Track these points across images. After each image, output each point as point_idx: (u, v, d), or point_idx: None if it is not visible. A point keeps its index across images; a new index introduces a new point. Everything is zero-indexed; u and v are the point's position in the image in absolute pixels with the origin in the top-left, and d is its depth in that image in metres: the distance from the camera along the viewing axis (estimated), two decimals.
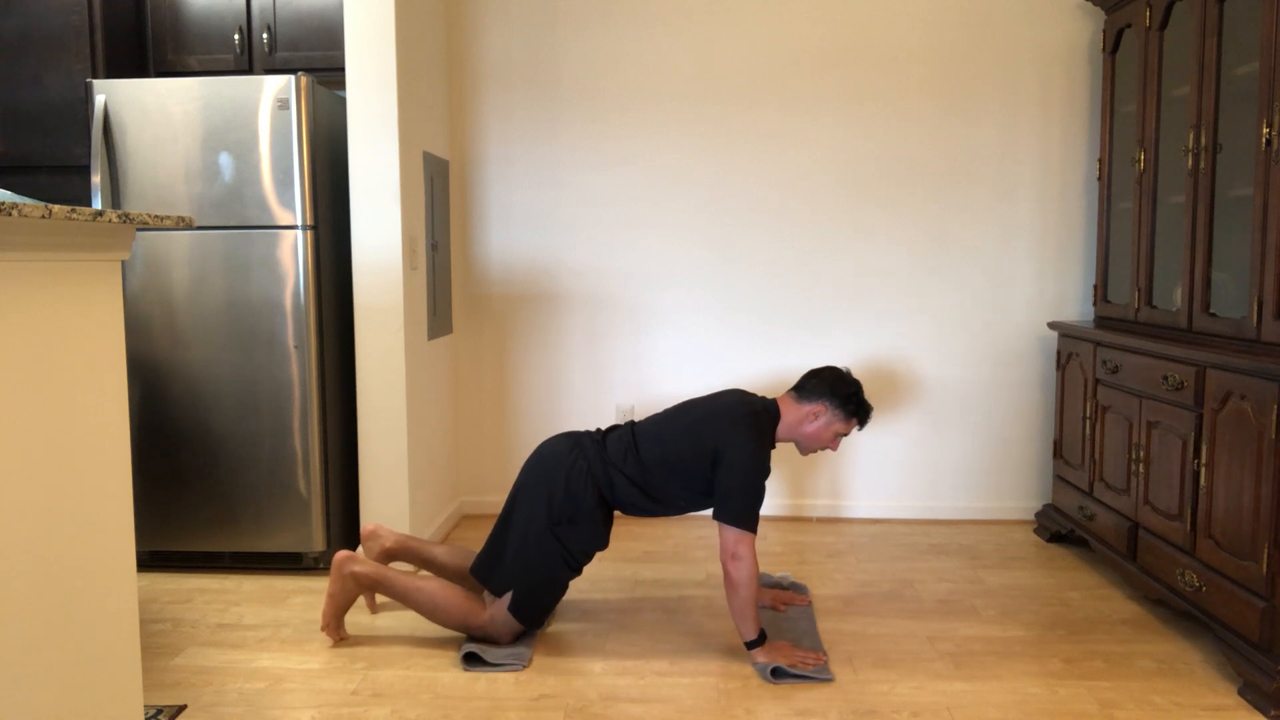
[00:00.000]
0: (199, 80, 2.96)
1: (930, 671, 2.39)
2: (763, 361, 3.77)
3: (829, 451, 3.75)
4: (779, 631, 2.60)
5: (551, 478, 2.47)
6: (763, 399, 2.58)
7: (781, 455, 3.77)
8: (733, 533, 2.36)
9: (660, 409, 3.30)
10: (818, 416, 2.56)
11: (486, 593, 2.52)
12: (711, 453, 2.42)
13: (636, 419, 2.61)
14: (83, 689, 1.58)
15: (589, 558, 2.53)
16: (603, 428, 2.82)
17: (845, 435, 2.62)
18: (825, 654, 2.45)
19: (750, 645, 2.39)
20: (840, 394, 2.55)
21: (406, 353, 3.12)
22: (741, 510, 2.37)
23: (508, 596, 2.46)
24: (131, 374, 3.04)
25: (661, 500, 2.51)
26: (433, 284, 3.46)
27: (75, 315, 1.57)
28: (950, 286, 3.70)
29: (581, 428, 3.80)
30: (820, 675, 2.34)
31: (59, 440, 1.52)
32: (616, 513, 2.95)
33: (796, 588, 2.94)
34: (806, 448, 2.61)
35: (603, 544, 2.54)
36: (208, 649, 2.53)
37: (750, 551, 2.36)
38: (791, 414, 2.57)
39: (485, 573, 2.52)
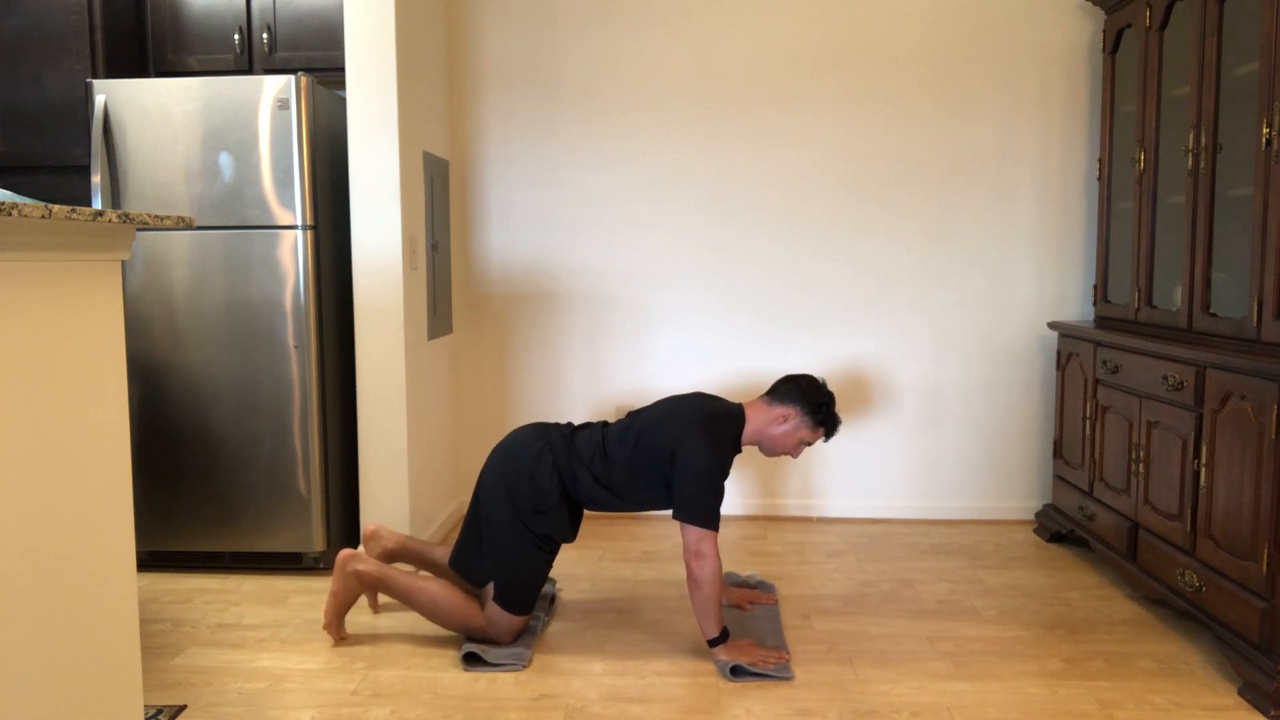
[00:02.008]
0: (199, 80, 2.96)
1: (930, 671, 2.39)
2: (763, 361, 3.77)
3: (827, 453, 3.76)
4: (743, 630, 2.60)
5: (517, 467, 2.49)
6: (726, 403, 2.59)
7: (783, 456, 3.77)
8: (694, 531, 2.37)
9: None
10: (786, 420, 2.57)
11: (483, 594, 2.53)
12: (670, 453, 2.43)
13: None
14: (83, 689, 1.58)
15: (556, 543, 2.54)
16: (574, 423, 2.82)
17: (810, 444, 2.63)
18: (788, 653, 2.46)
19: (712, 643, 2.40)
20: (812, 401, 2.57)
21: (406, 353, 3.12)
22: (702, 509, 2.38)
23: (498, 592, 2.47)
24: (131, 374, 3.04)
25: (624, 499, 2.53)
26: (433, 284, 3.46)
27: (75, 315, 1.57)
28: (950, 286, 3.70)
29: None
30: (780, 674, 2.34)
31: (59, 440, 1.52)
32: (600, 513, 2.94)
33: (764, 586, 2.94)
34: (770, 449, 2.63)
35: (569, 536, 2.55)
36: (208, 649, 2.53)
37: (713, 549, 2.37)
38: (760, 416, 2.58)
39: (463, 565, 2.53)
